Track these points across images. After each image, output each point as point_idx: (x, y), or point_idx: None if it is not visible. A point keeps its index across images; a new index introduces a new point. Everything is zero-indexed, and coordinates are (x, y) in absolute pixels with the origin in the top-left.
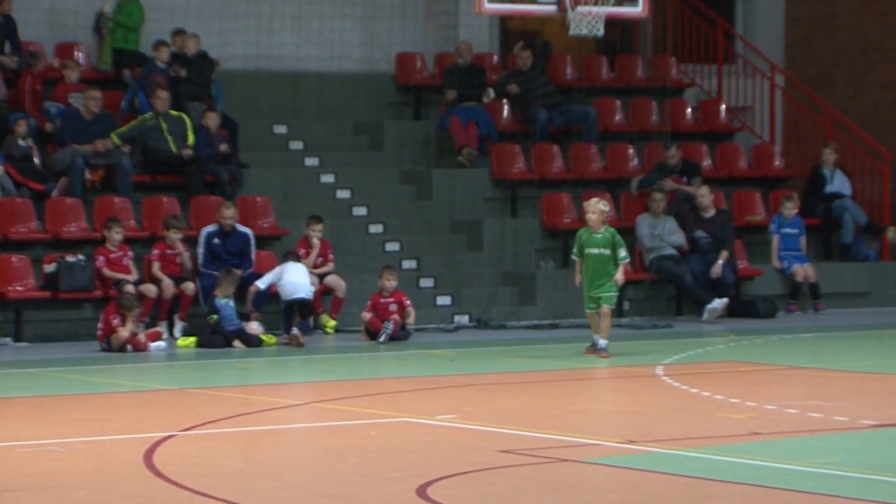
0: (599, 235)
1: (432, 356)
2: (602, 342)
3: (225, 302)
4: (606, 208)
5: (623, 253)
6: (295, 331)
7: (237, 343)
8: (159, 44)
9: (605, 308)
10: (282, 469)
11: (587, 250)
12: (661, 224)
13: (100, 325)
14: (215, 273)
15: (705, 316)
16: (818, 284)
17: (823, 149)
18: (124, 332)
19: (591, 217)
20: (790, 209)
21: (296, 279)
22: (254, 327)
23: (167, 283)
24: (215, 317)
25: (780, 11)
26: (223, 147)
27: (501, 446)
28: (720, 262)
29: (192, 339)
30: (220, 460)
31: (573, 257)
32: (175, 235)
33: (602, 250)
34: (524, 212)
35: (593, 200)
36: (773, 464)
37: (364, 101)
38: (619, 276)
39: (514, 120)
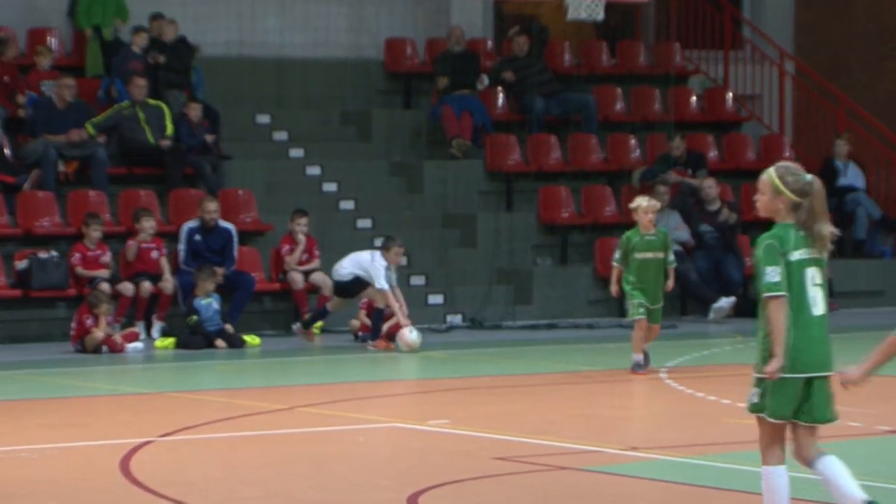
0: (653, 237)
1: (423, 358)
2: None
3: (207, 303)
4: (659, 205)
5: (672, 256)
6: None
7: (219, 343)
8: (137, 30)
9: (657, 326)
10: (265, 477)
11: (638, 255)
12: (665, 219)
13: (73, 325)
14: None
15: (711, 315)
16: (832, 282)
17: (836, 140)
18: (99, 333)
19: (650, 217)
20: None
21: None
22: (407, 334)
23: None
24: (195, 317)
25: None
26: (209, 137)
27: (497, 453)
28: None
29: (171, 340)
30: (199, 468)
31: (614, 263)
32: (147, 223)
33: (657, 254)
34: (520, 206)
35: (643, 200)
36: None
37: (351, 89)
38: (671, 282)
39: (510, 109)
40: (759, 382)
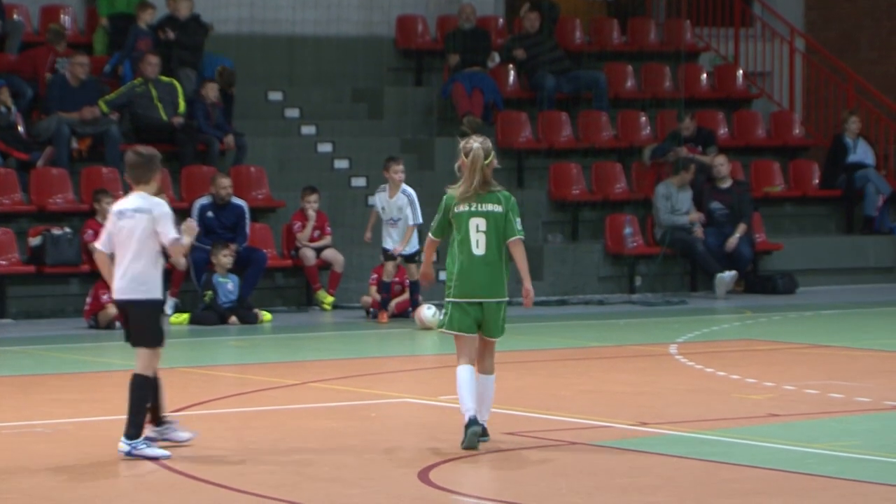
0: None
1: (434, 333)
2: None
3: (224, 281)
4: None
5: None
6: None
7: (233, 319)
8: (144, 5)
9: None
10: (277, 452)
11: None
12: (677, 195)
13: (88, 300)
14: (207, 248)
15: (715, 288)
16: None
17: (848, 116)
18: (112, 308)
19: None
20: None
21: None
22: (425, 311)
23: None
24: (210, 293)
25: None
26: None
27: (507, 428)
28: (736, 235)
29: (185, 316)
30: (213, 442)
31: None
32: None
33: None
34: (531, 183)
35: None
36: (792, 447)
37: (363, 66)
38: None
39: (521, 86)
40: (446, 305)
